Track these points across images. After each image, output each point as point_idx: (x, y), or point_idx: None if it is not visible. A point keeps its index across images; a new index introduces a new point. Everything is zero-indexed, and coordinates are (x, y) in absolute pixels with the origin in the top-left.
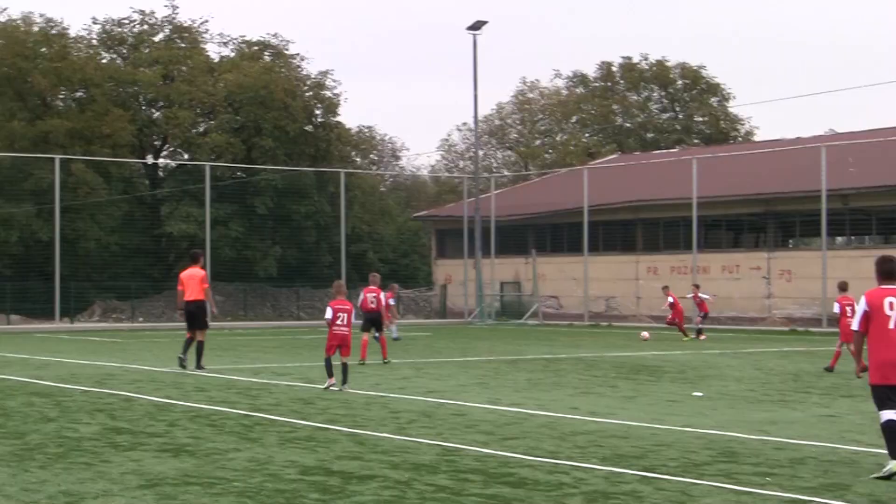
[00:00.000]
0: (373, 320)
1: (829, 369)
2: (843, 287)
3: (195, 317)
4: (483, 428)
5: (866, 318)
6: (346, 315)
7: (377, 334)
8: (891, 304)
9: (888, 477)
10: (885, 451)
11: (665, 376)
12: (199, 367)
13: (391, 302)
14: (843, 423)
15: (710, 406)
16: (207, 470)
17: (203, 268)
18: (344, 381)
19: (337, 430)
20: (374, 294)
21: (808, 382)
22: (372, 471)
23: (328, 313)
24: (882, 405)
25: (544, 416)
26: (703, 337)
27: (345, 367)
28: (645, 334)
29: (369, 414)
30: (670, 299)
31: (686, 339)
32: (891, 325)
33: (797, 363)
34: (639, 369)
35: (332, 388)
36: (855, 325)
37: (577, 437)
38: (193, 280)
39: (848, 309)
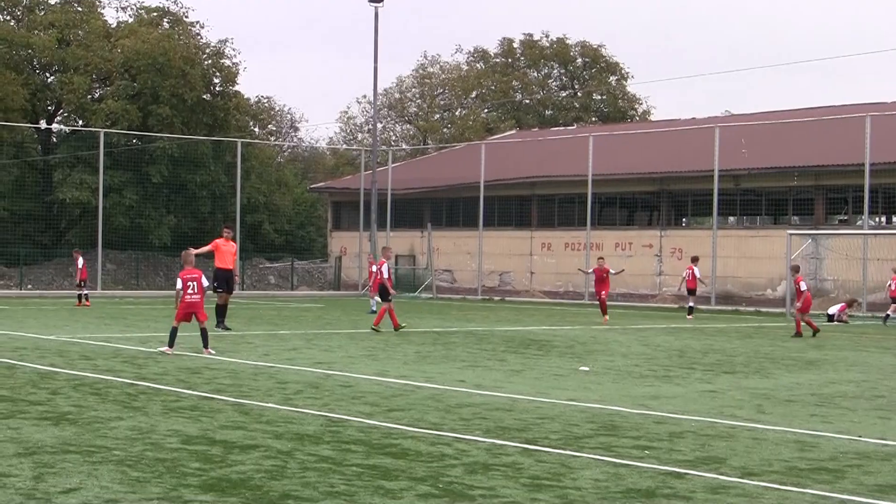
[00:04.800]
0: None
1: (798, 335)
2: (796, 269)
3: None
4: (369, 399)
5: None
6: (195, 283)
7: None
8: None
9: None
10: (761, 425)
11: (553, 351)
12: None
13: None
14: (723, 399)
15: (595, 381)
16: (88, 438)
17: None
18: (205, 345)
19: (222, 399)
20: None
21: (692, 359)
22: (255, 441)
23: (178, 284)
24: None
25: (431, 389)
26: (690, 316)
27: (204, 331)
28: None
29: (256, 384)
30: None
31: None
32: None
33: (684, 340)
34: (528, 344)
35: (166, 354)
36: None
37: (461, 409)
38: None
39: (802, 285)
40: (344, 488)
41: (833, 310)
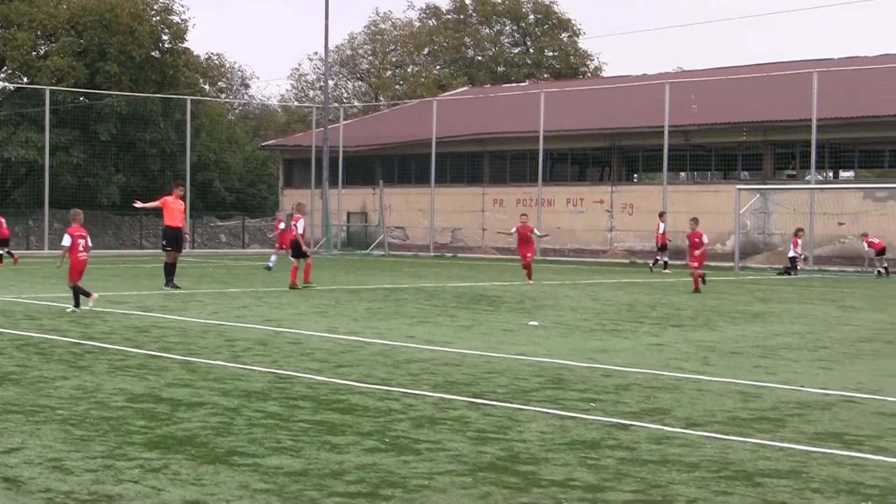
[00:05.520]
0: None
1: (697, 291)
2: (695, 222)
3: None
4: (318, 356)
5: None
6: (84, 241)
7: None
8: None
9: None
10: (706, 377)
11: (503, 306)
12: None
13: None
14: (669, 352)
15: (544, 335)
16: (31, 398)
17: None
18: (77, 304)
19: (170, 357)
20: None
21: (641, 313)
22: (202, 398)
23: (66, 240)
24: None
25: (380, 345)
26: (666, 270)
27: (77, 289)
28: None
29: (204, 342)
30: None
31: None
32: None
33: (633, 294)
34: (478, 299)
35: (75, 311)
36: None
37: (410, 364)
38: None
39: (696, 241)
40: (290, 444)
41: (792, 253)
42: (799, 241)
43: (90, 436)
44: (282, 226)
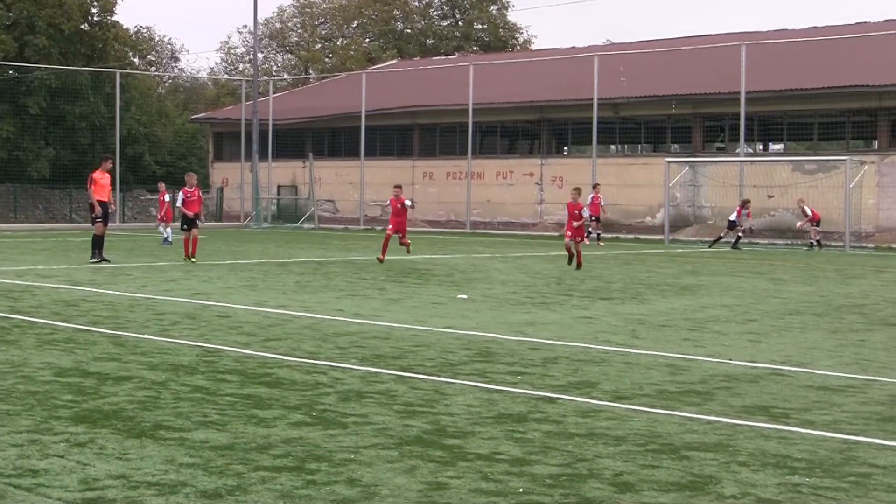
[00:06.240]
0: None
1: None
2: (577, 193)
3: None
4: (246, 329)
5: None
6: None
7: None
8: None
9: None
10: (634, 350)
11: (433, 279)
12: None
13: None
14: (598, 325)
15: (472, 308)
16: None
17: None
18: None
19: (98, 331)
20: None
21: (570, 286)
22: (129, 372)
23: None
24: None
25: (308, 318)
26: (599, 243)
27: None
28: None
29: (132, 316)
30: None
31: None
32: None
33: (562, 268)
34: (408, 272)
35: None
36: None
37: (338, 338)
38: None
39: (576, 212)
40: (217, 418)
41: (733, 216)
42: (743, 212)
43: (16, 410)
44: (166, 198)
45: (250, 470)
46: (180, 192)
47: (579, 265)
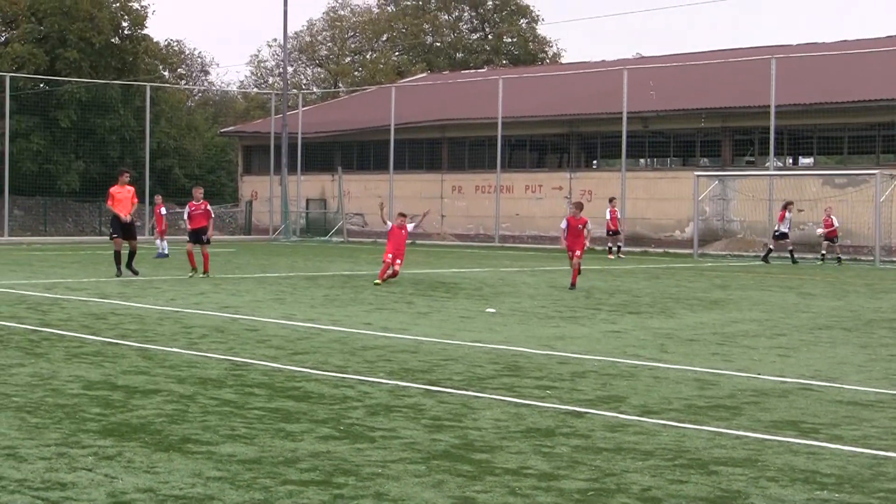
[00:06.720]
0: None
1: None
2: (578, 208)
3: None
4: (274, 343)
5: None
6: None
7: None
8: None
9: None
10: (663, 364)
11: (461, 293)
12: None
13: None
14: (626, 339)
15: (501, 322)
16: None
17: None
18: None
19: (127, 345)
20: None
21: (598, 300)
22: (157, 385)
23: None
24: None
25: (337, 332)
26: (620, 255)
27: None
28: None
29: (161, 329)
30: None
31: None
32: None
33: (591, 281)
34: (436, 286)
35: None
36: None
37: (366, 352)
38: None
39: (579, 227)
40: (244, 431)
41: (782, 227)
42: (787, 215)
43: (45, 423)
44: (162, 211)
45: (277, 484)
46: (187, 206)
47: (573, 284)
